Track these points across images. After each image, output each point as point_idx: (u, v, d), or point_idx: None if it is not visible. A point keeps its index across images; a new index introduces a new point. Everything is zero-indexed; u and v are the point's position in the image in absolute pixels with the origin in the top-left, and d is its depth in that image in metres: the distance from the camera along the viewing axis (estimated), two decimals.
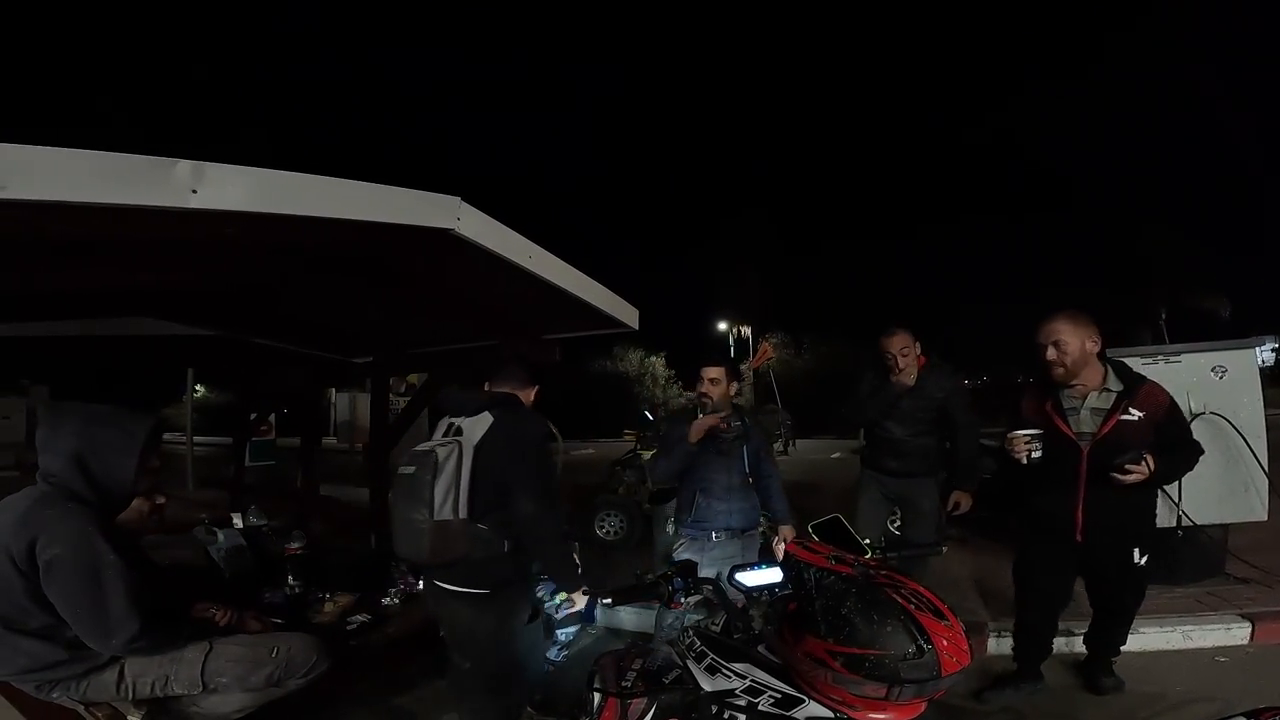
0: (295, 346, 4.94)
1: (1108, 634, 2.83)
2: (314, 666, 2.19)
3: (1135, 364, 3.70)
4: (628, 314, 3.60)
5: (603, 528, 5.94)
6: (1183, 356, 3.84)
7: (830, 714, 1.26)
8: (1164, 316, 23.12)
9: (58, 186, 1.48)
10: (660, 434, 4.70)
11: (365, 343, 4.86)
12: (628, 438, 8.32)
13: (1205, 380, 3.78)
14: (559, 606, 3.22)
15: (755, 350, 21.83)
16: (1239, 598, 3.63)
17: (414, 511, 1.98)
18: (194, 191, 1.65)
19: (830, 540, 1.65)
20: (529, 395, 2.34)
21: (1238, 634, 3.30)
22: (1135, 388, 2.56)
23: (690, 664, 1.48)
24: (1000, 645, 3.16)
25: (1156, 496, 2.69)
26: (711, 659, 1.44)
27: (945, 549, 2.95)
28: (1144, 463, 2.38)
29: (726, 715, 1.35)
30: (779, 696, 1.31)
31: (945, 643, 1.18)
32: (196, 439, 10.96)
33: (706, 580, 1.69)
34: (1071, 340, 2.54)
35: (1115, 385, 2.58)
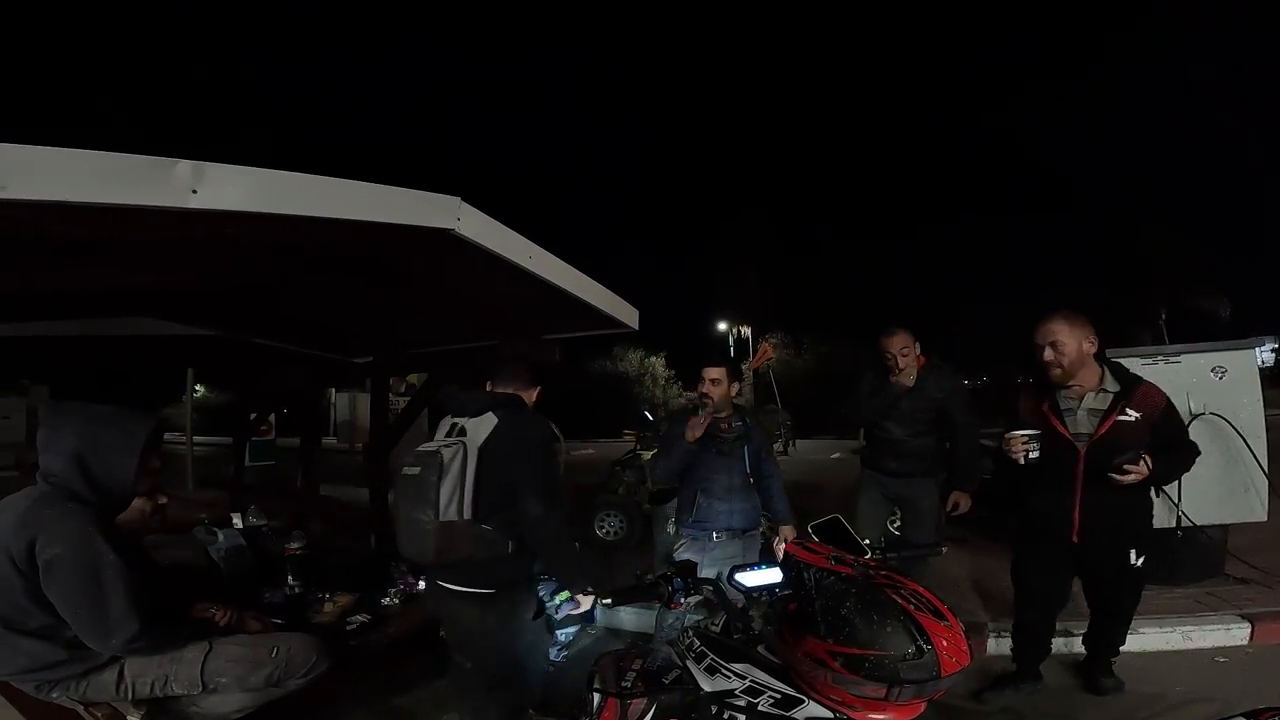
0: (295, 346, 4.94)
1: (1106, 635, 2.83)
2: (314, 666, 2.19)
3: (1135, 364, 3.72)
4: (628, 314, 3.60)
5: (602, 528, 5.94)
6: (1182, 357, 3.84)
7: (830, 714, 1.26)
8: (1164, 317, 23.15)
9: (58, 186, 1.48)
10: (660, 434, 4.70)
11: (365, 343, 4.86)
12: (627, 438, 8.32)
13: (1205, 381, 3.78)
14: (559, 606, 3.22)
15: (755, 350, 21.83)
16: (1238, 598, 3.62)
17: (419, 512, 1.98)
18: (194, 191, 1.65)
19: (830, 540, 1.65)
20: (531, 395, 2.34)
21: (1237, 634, 3.30)
22: (1132, 388, 2.56)
23: (690, 664, 1.48)
24: (1000, 646, 3.16)
25: (1153, 498, 2.69)
26: (711, 659, 1.44)
27: (945, 549, 2.95)
28: (1142, 463, 2.38)
29: (726, 715, 1.35)
30: (779, 697, 1.31)
31: (945, 643, 1.18)
32: (196, 439, 10.96)
33: (706, 580, 1.70)
34: (1069, 341, 2.54)
35: (1112, 386, 2.58)
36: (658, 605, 2.14)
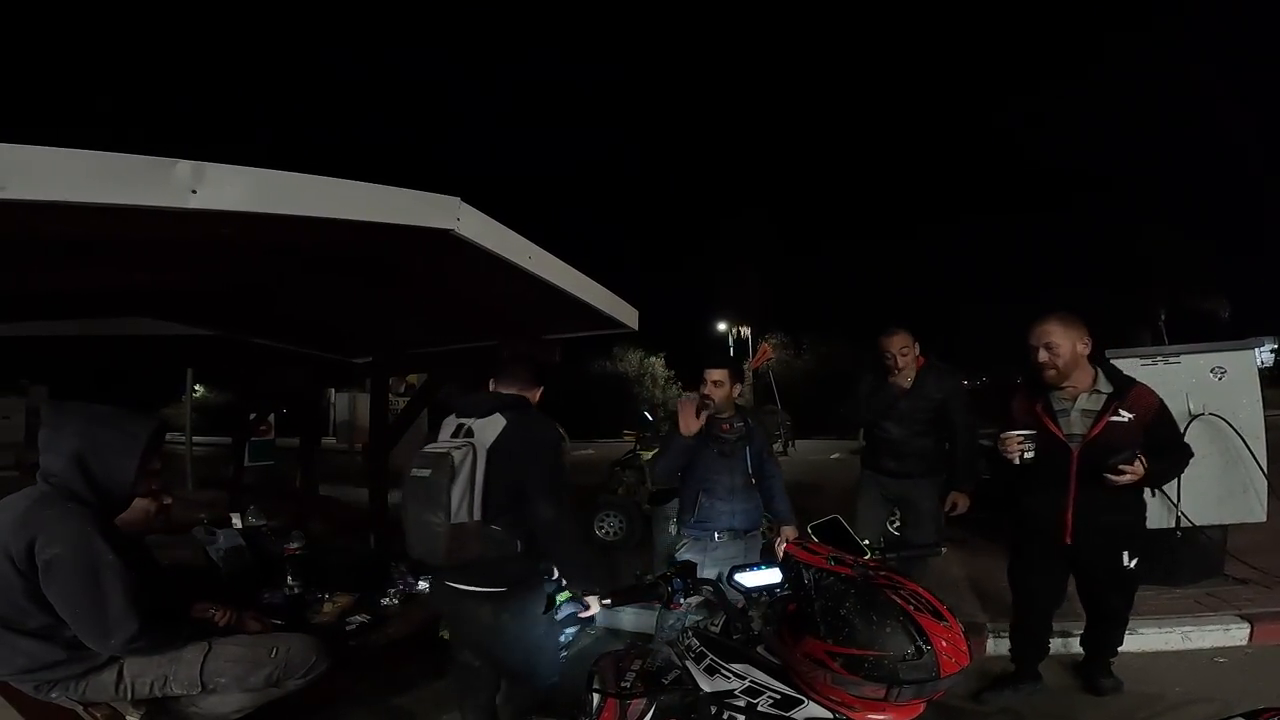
0: (295, 346, 4.95)
1: (1102, 635, 2.84)
2: (313, 667, 2.19)
3: (1135, 365, 3.73)
4: (627, 314, 3.60)
5: (602, 528, 5.94)
6: (1182, 357, 3.84)
7: (829, 715, 1.26)
8: (1163, 317, 23.15)
9: (57, 186, 1.48)
10: (660, 434, 4.70)
11: (364, 343, 4.87)
12: (627, 438, 8.33)
13: (1204, 381, 3.78)
14: (559, 607, 3.22)
15: (755, 351, 21.83)
16: (1238, 599, 3.63)
17: (430, 514, 1.99)
18: (193, 192, 1.66)
19: (830, 541, 1.65)
20: (534, 395, 2.34)
21: (1236, 635, 3.30)
22: (1125, 390, 2.56)
23: (689, 665, 1.48)
24: (999, 646, 3.16)
25: (1146, 499, 2.69)
26: (710, 660, 1.44)
27: (944, 550, 2.95)
28: (1138, 463, 2.38)
29: (725, 716, 1.35)
30: (778, 697, 1.31)
31: (944, 644, 1.19)
32: (196, 439, 10.96)
33: (706, 581, 1.69)
34: (1063, 342, 2.54)
35: (1105, 387, 2.59)
36: (658, 606, 2.14)
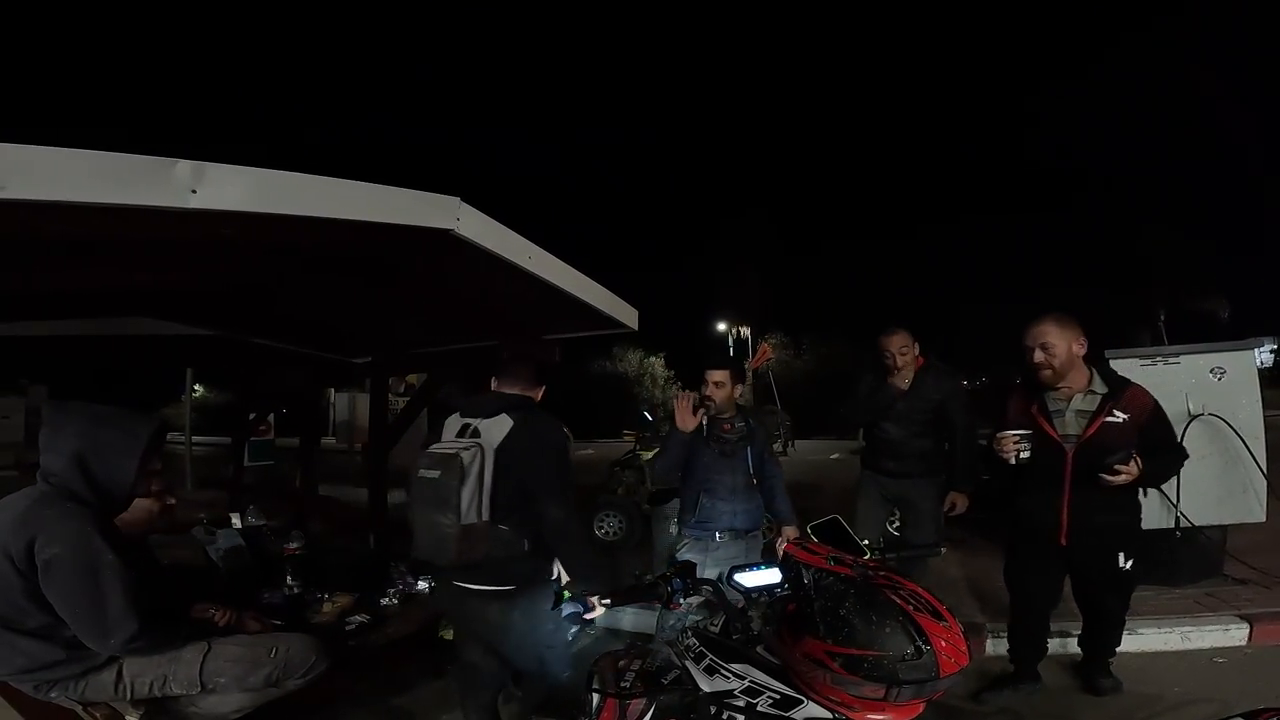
0: (294, 346, 4.95)
1: (1099, 636, 2.84)
2: (313, 667, 2.19)
3: (1135, 365, 3.73)
4: (627, 314, 3.60)
5: (602, 528, 5.94)
6: (1181, 358, 3.84)
7: (829, 715, 1.26)
8: (1163, 317, 23.15)
9: (58, 186, 1.48)
10: (660, 434, 4.69)
11: (364, 343, 4.87)
12: (627, 438, 8.34)
13: (1204, 382, 3.78)
14: (563, 605, 3.22)
15: (755, 351, 21.82)
16: (1237, 599, 3.63)
17: (440, 516, 2.00)
18: (194, 191, 1.66)
19: (829, 541, 1.65)
20: (536, 395, 2.35)
21: (1236, 635, 3.30)
22: (1120, 390, 2.57)
23: (689, 665, 1.48)
24: (998, 646, 3.16)
25: (1141, 500, 2.69)
26: (710, 660, 1.44)
27: (944, 550, 2.95)
28: (1133, 463, 2.38)
29: (725, 716, 1.36)
30: (777, 697, 1.31)
31: (944, 644, 1.19)
32: (195, 439, 10.96)
33: (706, 581, 1.69)
34: (1059, 343, 2.55)
35: (1100, 388, 2.59)
36: (658, 606, 2.15)
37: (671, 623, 2.68)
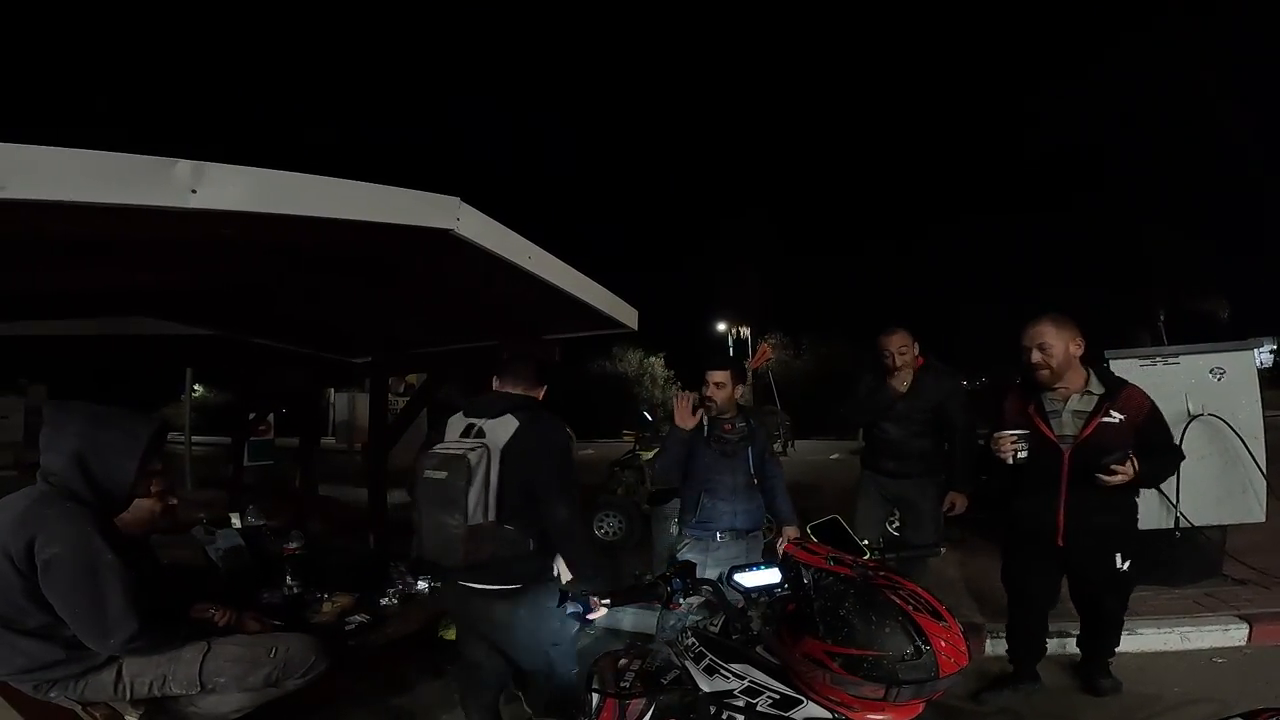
0: (294, 346, 4.95)
1: (1098, 637, 2.84)
2: (312, 667, 2.19)
3: (1134, 365, 3.73)
4: (627, 314, 3.60)
5: (602, 528, 5.94)
6: (1181, 358, 3.84)
7: (828, 715, 1.26)
8: (1163, 317, 23.15)
9: (58, 186, 1.49)
10: (660, 434, 4.69)
11: (364, 343, 4.87)
12: (627, 438, 8.33)
13: (1204, 382, 3.78)
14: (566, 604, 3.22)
15: (754, 351, 21.83)
16: (1237, 599, 3.63)
17: (447, 517, 2.00)
18: (194, 191, 1.66)
19: (829, 541, 1.65)
20: (538, 394, 2.35)
21: (1235, 635, 3.31)
22: (1116, 391, 2.57)
23: (688, 665, 1.48)
24: (997, 646, 3.16)
25: (1138, 501, 2.69)
26: (710, 660, 1.44)
27: (944, 550, 2.95)
28: (1129, 464, 2.38)
29: (725, 716, 1.35)
30: (777, 697, 1.31)
31: (943, 644, 1.19)
32: (195, 439, 10.96)
33: (705, 581, 1.69)
34: (1056, 343, 2.55)
35: (1097, 388, 2.59)
36: (658, 606, 2.15)
37: (671, 623, 2.68)
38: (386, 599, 3.10)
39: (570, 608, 1.58)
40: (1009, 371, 2.88)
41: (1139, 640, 3.23)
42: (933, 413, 3.33)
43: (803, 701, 1.28)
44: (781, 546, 2.94)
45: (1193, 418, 3.70)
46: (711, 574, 2.17)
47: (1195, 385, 3.77)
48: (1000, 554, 2.96)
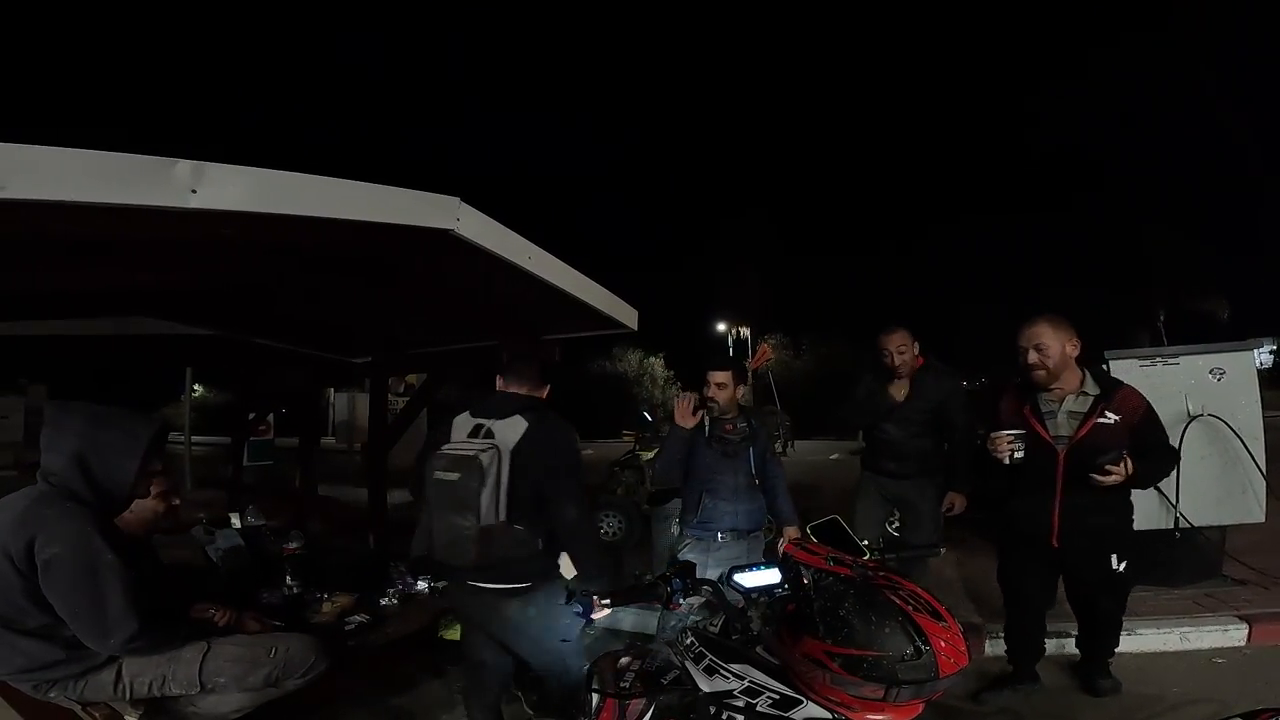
0: (294, 346, 4.95)
1: (1096, 637, 2.84)
2: (312, 667, 2.19)
3: (1134, 366, 3.73)
4: (627, 314, 3.60)
5: (602, 528, 5.93)
6: (1181, 358, 3.84)
7: (828, 715, 1.26)
8: (1163, 318, 23.15)
9: (58, 186, 1.49)
10: (660, 435, 4.69)
11: (364, 343, 4.87)
12: (626, 438, 8.34)
13: (1203, 382, 3.78)
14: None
15: (754, 351, 21.81)
16: (1236, 599, 3.63)
17: (460, 518, 2.01)
18: (194, 191, 1.66)
19: (829, 541, 1.65)
20: (542, 394, 2.36)
21: (1235, 635, 3.31)
22: (1112, 391, 2.57)
23: (688, 665, 1.48)
24: (997, 647, 3.17)
25: (1133, 502, 2.69)
26: (710, 660, 1.44)
27: (944, 550, 2.96)
28: (1123, 464, 2.38)
29: (725, 716, 1.35)
30: (777, 697, 1.31)
31: (943, 644, 1.19)
32: (195, 439, 10.96)
33: (705, 581, 1.70)
34: (1053, 344, 2.55)
35: (1092, 389, 2.60)
36: (658, 606, 2.15)
37: (672, 623, 2.68)
38: (386, 599, 3.10)
39: (572, 608, 1.58)
40: (1009, 372, 2.87)
41: (1139, 640, 3.23)
42: (933, 413, 3.33)
43: (802, 702, 1.28)
44: (782, 547, 2.94)
45: (1192, 418, 3.70)
46: (713, 574, 2.17)
47: (1195, 386, 3.77)
48: (997, 554, 2.97)
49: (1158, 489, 3.54)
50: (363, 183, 2.02)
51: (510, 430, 2.11)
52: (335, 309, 3.73)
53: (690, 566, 1.71)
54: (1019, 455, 2.54)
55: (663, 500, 4.30)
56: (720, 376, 2.88)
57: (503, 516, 2.03)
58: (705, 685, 1.41)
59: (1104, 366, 3.65)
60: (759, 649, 1.43)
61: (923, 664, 1.17)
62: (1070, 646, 3.11)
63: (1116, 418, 2.52)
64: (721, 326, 28.01)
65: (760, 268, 31.78)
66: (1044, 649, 2.93)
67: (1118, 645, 2.85)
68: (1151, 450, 2.53)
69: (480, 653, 2.33)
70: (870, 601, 1.26)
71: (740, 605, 1.53)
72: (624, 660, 1.71)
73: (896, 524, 4.03)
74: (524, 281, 2.74)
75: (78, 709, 1.94)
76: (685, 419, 2.77)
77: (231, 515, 4.01)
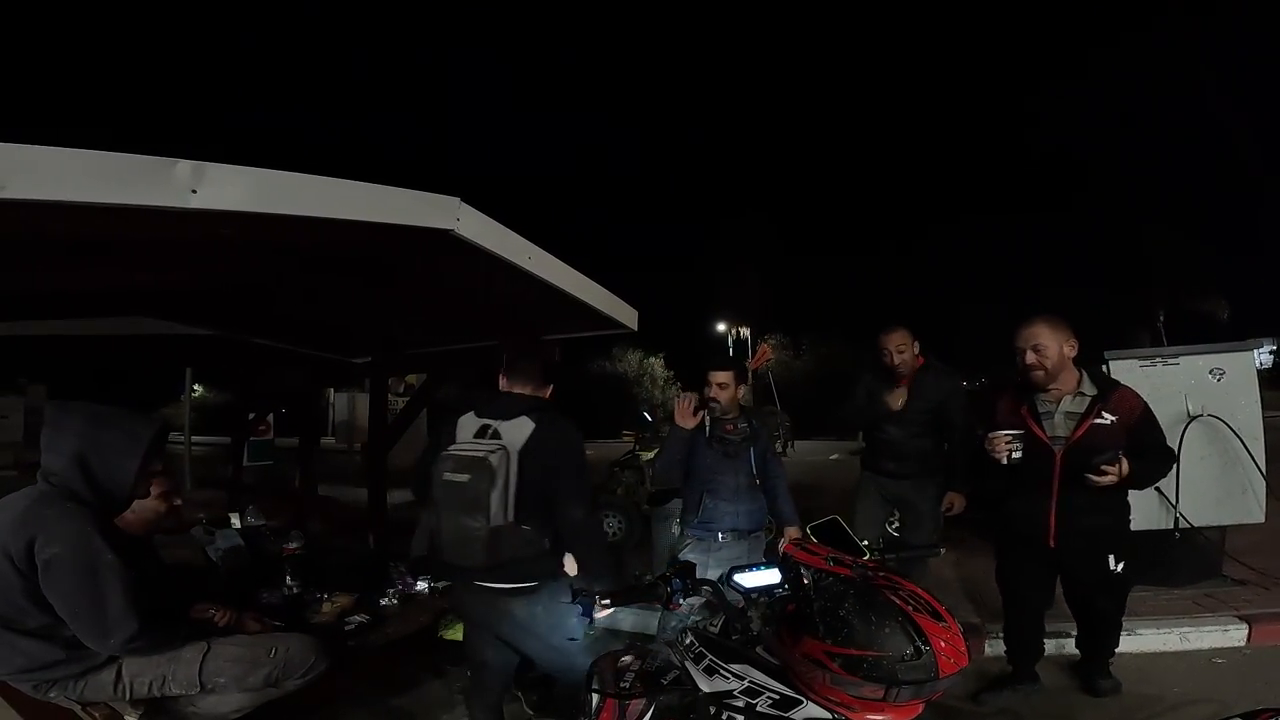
0: (294, 346, 4.95)
1: (1095, 638, 2.84)
2: (312, 667, 2.19)
3: (1134, 366, 3.73)
4: (626, 315, 3.60)
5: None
6: (1181, 359, 3.85)
7: (828, 715, 1.26)
8: (1162, 318, 23.16)
9: (58, 186, 1.49)
10: (660, 435, 4.69)
11: (364, 343, 4.87)
12: (626, 438, 8.34)
13: (1203, 382, 3.79)
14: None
15: (754, 351, 21.81)
16: (1236, 599, 3.63)
17: (470, 519, 2.01)
18: (194, 191, 1.66)
19: (829, 542, 1.65)
20: (545, 393, 2.36)
21: (1235, 636, 3.31)
22: (1109, 392, 2.58)
23: (688, 665, 1.48)
24: (997, 647, 3.17)
25: (1130, 503, 2.69)
26: (710, 660, 1.44)
27: (944, 551, 2.96)
28: (1119, 464, 2.38)
29: (725, 716, 1.36)
30: (777, 698, 1.31)
31: (943, 644, 1.19)
32: (195, 439, 10.95)
33: (705, 581, 1.69)
34: (1050, 344, 2.55)
35: (1089, 390, 2.60)
36: (658, 607, 2.16)
37: (672, 623, 2.68)
38: (386, 599, 3.10)
39: (575, 607, 1.58)
40: (1008, 372, 2.87)
41: (1138, 641, 3.23)
42: (933, 413, 3.33)
43: (802, 702, 1.28)
44: (782, 547, 2.94)
45: (1192, 418, 3.70)
46: (713, 574, 2.17)
47: (1195, 386, 3.77)
48: (995, 555, 2.97)
49: (1158, 489, 3.54)
50: (362, 183, 2.02)
51: (517, 431, 2.11)
52: (335, 309, 3.73)
53: (690, 567, 1.71)
54: (1016, 455, 2.54)
55: (663, 500, 4.30)
56: (722, 376, 2.88)
57: (511, 517, 2.03)
58: (705, 685, 1.41)
59: (1104, 367, 3.65)
60: (759, 649, 1.43)
61: (923, 664, 1.17)
62: (1070, 646, 3.11)
63: (1113, 418, 2.52)
64: (721, 326, 28.01)
65: (760, 268, 31.79)
66: (1043, 649, 2.93)
67: (1118, 645, 2.85)
68: (1148, 451, 2.53)
69: (482, 653, 2.34)
70: (870, 602, 1.26)
71: (740, 605, 1.53)
72: (624, 660, 1.71)
73: (896, 524, 4.03)
74: (524, 281, 2.74)
75: (78, 709, 1.94)
76: (685, 419, 2.77)
77: (231, 515, 4.01)
